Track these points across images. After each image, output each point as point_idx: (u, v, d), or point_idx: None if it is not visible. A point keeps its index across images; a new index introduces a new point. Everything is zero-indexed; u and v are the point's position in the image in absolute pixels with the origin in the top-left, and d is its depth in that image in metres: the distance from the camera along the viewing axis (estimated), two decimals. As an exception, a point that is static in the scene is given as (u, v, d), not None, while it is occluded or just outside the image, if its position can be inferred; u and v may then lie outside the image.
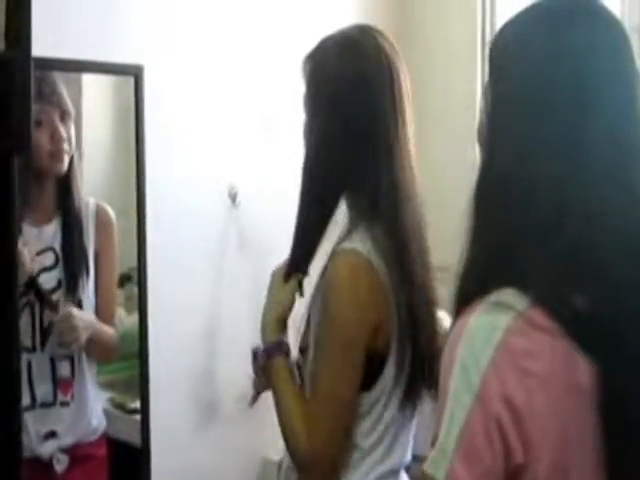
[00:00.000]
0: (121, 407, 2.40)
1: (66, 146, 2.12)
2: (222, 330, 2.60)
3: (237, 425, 2.63)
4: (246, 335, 2.16)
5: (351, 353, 1.39)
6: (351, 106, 1.44)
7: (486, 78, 1.09)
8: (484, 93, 1.08)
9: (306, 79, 1.51)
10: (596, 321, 0.92)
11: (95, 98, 2.39)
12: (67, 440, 2.14)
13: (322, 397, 1.39)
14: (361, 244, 1.41)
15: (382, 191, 1.43)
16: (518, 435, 0.90)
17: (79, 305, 2.17)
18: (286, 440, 1.45)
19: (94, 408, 2.23)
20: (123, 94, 2.36)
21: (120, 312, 2.40)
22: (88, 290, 2.20)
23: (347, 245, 1.42)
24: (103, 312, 2.24)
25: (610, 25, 1.00)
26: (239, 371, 2.21)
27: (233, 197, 2.61)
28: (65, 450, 2.13)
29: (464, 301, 0.98)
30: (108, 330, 2.24)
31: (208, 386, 2.60)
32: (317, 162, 1.48)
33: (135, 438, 2.38)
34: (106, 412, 2.30)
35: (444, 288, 2.13)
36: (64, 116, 2.12)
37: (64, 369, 2.15)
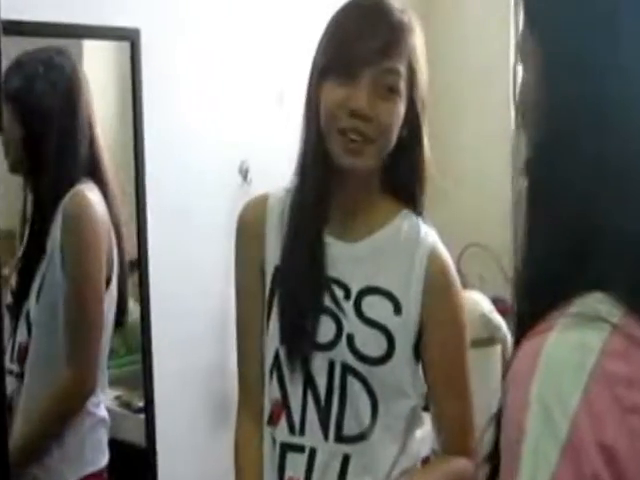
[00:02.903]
0: (127, 406, 2.36)
1: None
2: (234, 321, 2.48)
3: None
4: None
5: None
6: None
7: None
8: (520, 45, 0.92)
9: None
10: None
11: (90, 66, 2.28)
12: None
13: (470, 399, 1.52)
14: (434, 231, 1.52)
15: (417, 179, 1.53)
16: None
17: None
18: None
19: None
20: (119, 61, 2.29)
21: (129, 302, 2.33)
22: None
23: (435, 239, 1.50)
24: None
25: None
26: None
27: (244, 173, 2.57)
28: None
29: (533, 313, 0.80)
30: None
31: (220, 382, 2.53)
32: None
33: (142, 439, 2.32)
34: (111, 411, 2.21)
35: (475, 263, 2.35)
36: None
37: None
